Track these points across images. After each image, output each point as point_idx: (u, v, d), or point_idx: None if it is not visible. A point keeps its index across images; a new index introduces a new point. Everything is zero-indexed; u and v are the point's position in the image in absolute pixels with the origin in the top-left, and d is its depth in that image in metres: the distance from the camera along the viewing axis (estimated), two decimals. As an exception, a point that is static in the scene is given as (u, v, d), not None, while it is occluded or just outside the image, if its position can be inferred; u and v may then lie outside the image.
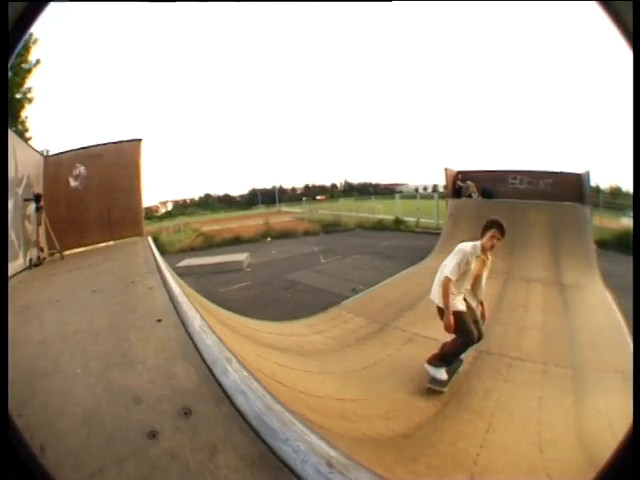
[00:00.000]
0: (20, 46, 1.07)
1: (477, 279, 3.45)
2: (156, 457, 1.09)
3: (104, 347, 1.82)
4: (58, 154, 8.29)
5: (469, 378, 3.32)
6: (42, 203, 6.31)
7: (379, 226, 16.59)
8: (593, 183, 10.88)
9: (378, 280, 7.58)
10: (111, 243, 7.78)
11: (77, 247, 7.21)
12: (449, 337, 4.58)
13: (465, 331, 3.16)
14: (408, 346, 4.31)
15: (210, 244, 16.52)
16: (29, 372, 1.68)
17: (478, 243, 3.41)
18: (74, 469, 1.06)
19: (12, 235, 5.39)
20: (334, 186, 63.98)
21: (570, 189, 9.41)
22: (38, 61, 13.41)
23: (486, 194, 10.60)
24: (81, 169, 7.77)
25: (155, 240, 14.26)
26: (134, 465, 1.06)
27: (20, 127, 13.33)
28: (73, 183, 7.71)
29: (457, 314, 3.19)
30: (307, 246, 12.64)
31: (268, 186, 54.56)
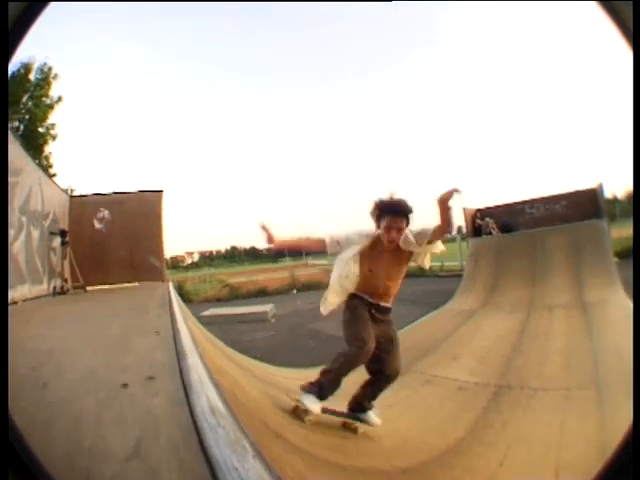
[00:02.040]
0: (20, 46, 1.04)
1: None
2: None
3: (112, 342, 2.44)
4: (82, 196, 9.09)
5: (486, 412, 3.10)
6: (67, 239, 6.83)
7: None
8: (610, 194, 10.55)
9: (401, 327, 7.43)
10: (136, 284, 8.08)
11: (100, 284, 7.64)
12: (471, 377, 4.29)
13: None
14: (426, 387, 4.11)
15: (236, 295, 16.90)
16: (51, 352, 2.21)
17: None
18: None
19: (37, 263, 5.96)
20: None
21: (586, 206, 9.31)
22: (60, 98, 13.69)
23: (505, 228, 10.73)
24: (105, 213, 8.29)
25: (180, 288, 14.70)
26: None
27: (44, 162, 13.39)
28: (97, 225, 8.22)
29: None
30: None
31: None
